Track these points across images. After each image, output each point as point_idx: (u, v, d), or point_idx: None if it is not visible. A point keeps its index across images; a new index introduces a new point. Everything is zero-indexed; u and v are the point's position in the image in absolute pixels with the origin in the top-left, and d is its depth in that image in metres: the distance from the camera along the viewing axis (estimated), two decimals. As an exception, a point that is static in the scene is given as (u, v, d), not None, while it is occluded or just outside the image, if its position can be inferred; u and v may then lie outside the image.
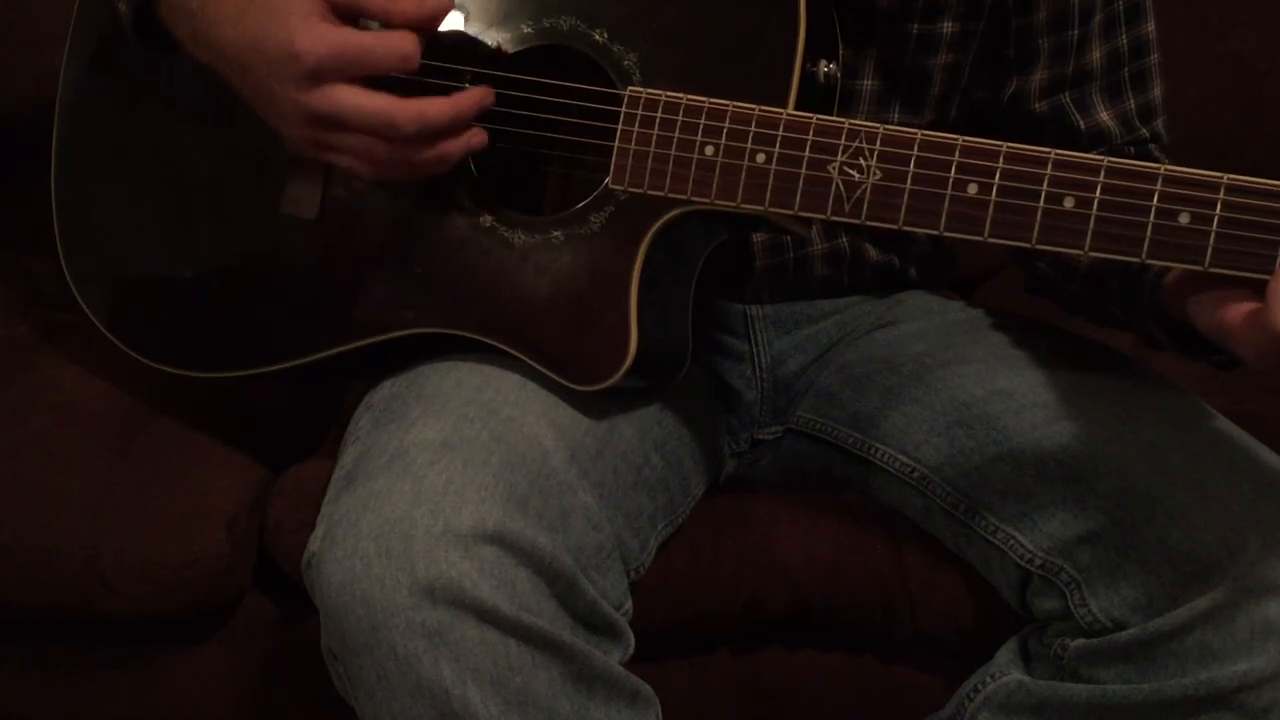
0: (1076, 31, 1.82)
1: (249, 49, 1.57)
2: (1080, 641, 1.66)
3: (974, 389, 1.78)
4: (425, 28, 1.57)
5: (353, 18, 1.57)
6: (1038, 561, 1.67)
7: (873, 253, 1.93)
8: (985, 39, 1.84)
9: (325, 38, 1.53)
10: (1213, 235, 1.37)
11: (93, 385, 1.99)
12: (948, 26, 1.80)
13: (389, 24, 1.56)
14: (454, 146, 1.59)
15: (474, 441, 1.54)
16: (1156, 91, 1.88)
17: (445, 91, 1.60)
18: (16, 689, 1.99)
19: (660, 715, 1.65)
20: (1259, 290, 1.36)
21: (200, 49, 1.63)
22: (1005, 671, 1.73)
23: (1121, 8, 1.83)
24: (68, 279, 1.88)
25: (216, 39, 1.60)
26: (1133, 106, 1.86)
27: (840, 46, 1.61)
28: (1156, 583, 1.59)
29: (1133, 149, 1.87)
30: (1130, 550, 1.61)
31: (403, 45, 1.54)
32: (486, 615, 1.46)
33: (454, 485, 1.49)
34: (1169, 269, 1.56)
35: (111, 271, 1.87)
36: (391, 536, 1.47)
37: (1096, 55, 1.84)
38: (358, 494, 1.52)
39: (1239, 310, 1.40)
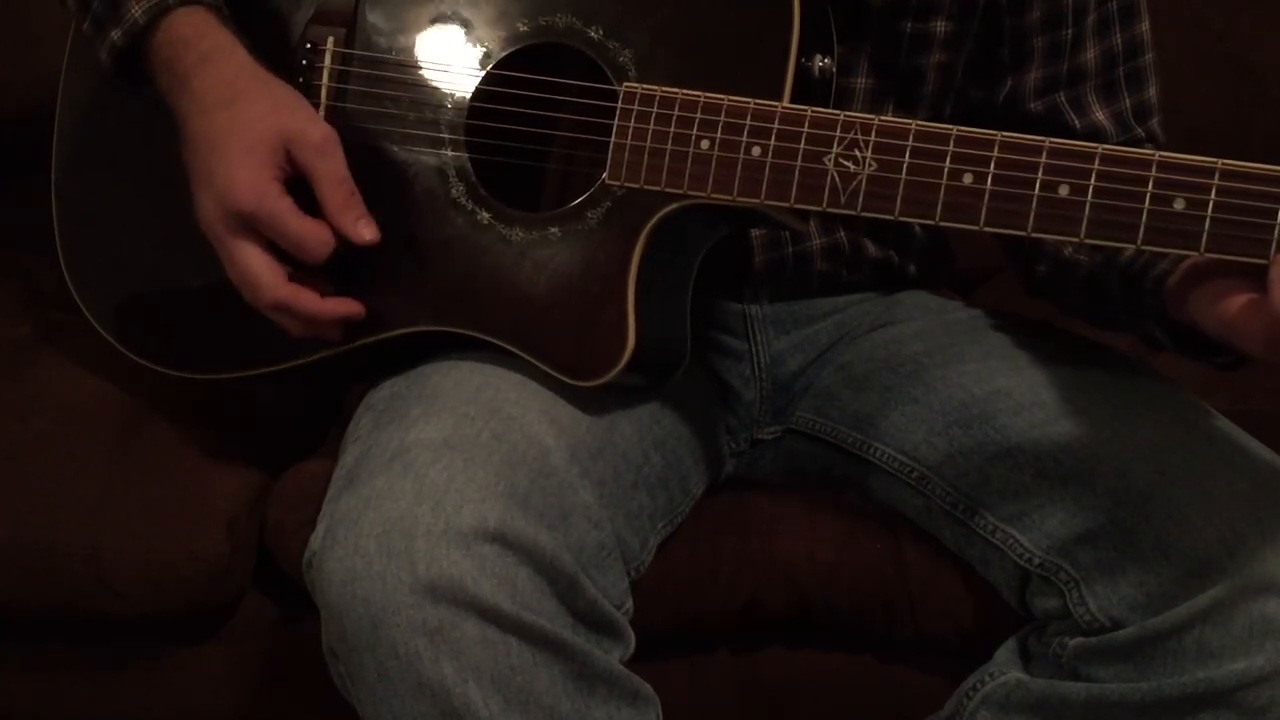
0: (1070, 31, 1.82)
1: (206, 143, 1.67)
2: (1079, 640, 1.65)
3: (973, 388, 1.78)
4: (347, 238, 1.68)
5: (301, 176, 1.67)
6: (1037, 561, 1.67)
7: (871, 248, 1.93)
8: (979, 38, 1.84)
9: (261, 197, 1.65)
10: (1208, 220, 1.38)
11: (93, 385, 2.00)
12: (941, 25, 1.81)
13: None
14: (299, 332, 1.72)
15: (475, 440, 1.54)
16: (1152, 91, 1.88)
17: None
18: (16, 689, 1.98)
19: (660, 715, 1.65)
20: (1259, 282, 1.37)
21: (172, 101, 1.72)
22: (1004, 671, 1.73)
23: (1115, 7, 1.84)
24: (68, 281, 1.88)
25: (188, 107, 1.70)
26: (1128, 106, 1.86)
27: (835, 42, 1.62)
28: (1155, 582, 1.59)
29: None
30: (1129, 549, 1.61)
31: (316, 244, 1.66)
32: (487, 614, 1.46)
33: (455, 484, 1.49)
34: (1170, 272, 1.56)
35: (111, 274, 1.88)
36: (393, 535, 1.47)
37: (1091, 55, 1.84)
38: (359, 493, 1.52)
39: (1240, 301, 1.41)
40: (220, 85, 1.67)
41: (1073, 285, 1.80)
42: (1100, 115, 1.85)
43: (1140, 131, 1.88)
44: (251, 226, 1.65)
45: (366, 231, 1.67)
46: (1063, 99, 1.85)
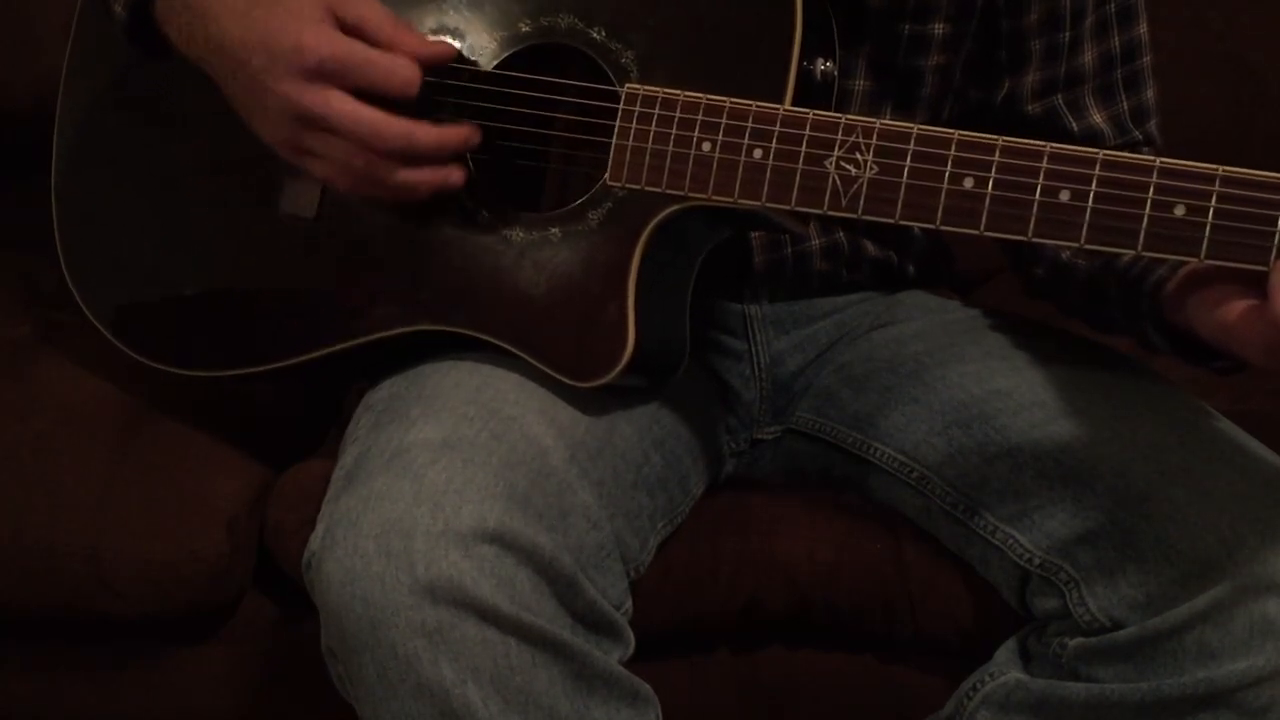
0: (1068, 34, 1.82)
1: (251, 42, 1.59)
2: (1079, 641, 1.65)
3: (973, 388, 1.78)
4: (424, 63, 1.61)
5: (358, 37, 1.59)
6: (1036, 561, 1.67)
7: (871, 248, 1.93)
8: (977, 40, 1.84)
9: (333, 39, 1.56)
10: (1208, 227, 1.37)
11: (93, 385, 2.00)
12: (939, 28, 1.80)
13: (391, 49, 1.59)
14: (430, 176, 1.62)
15: (474, 441, 1.54)
16: (1150, 94, 1.88)
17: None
18: (16, 689, 1.99)
19: (660, 715, 1.65)
20: (1259, 288, 1.37)
21: (193, 45, 1.66)
22: (1004, 671, 1.73)
23: (1113, 9, 1.84)
24: (68, 280, 1.89)
25: (215, 33, 1.63)
26: (1125, 108, 1.87)
27: (837, 45, 1.62)
28: (1155, 582, 1.59)
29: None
30: (1129, 549, 1.61)
31: (405, 70, 1.58)
32: (486, 614, 1.46)
33: (454, 484, 1.49)
34: (1167, 278, 1.56)
35: (111, 273, 1.88)
36: (392, 536, 1.47)
37: (1088, 57, 1.84)
38: (358, 493, 1.52)
39: (1239, 307, 1.41)
40: None
41: (1071, 287, 1.80)
42: (1098, 118, 1.86)
43: (1138, 134, 1.88)
44: (332, 82, 1.57)
45: (435, 45, 1.63)
46: (1060, 102, 1.85)
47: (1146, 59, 1.87)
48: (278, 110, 1.59)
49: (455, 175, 1.63)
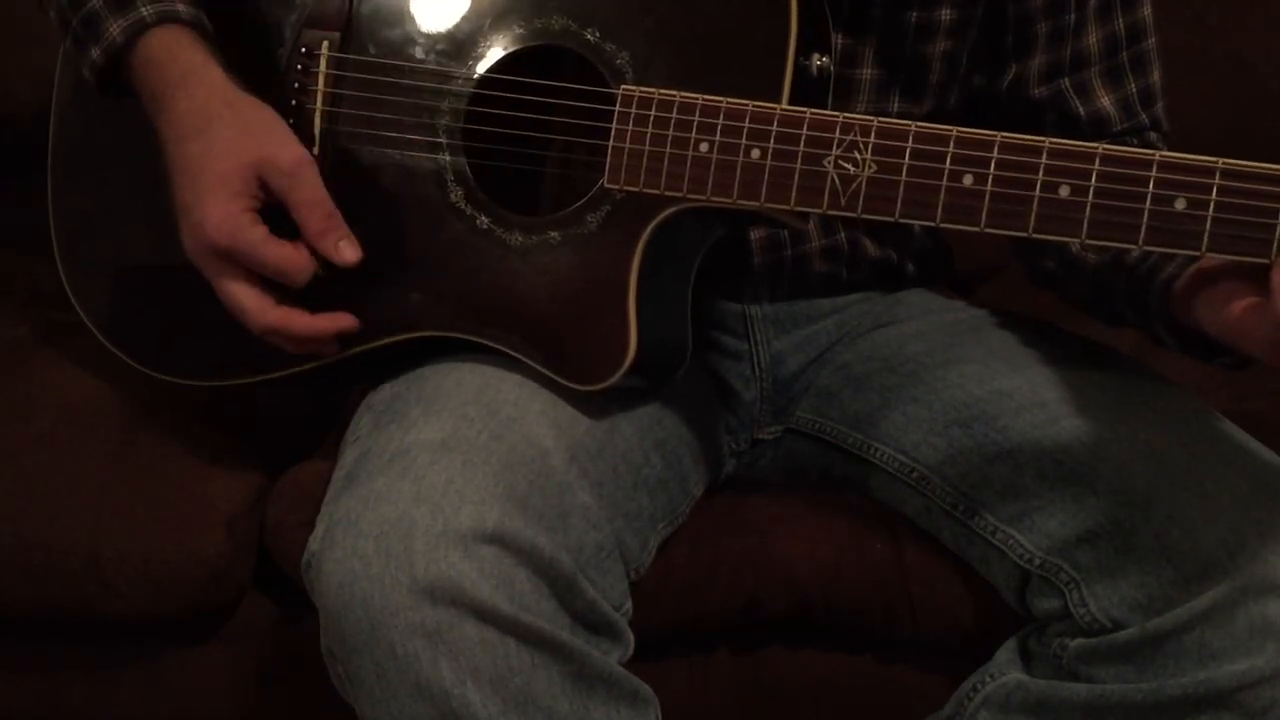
0: (1073, 16, 1.83)
1: (180, 171, 1.69)
2: (1079, 641, 1.65)
3: (973, 389, 1.78)
4: (329, 259, 1.68)
5: (278, 199, 1.66)
6: (1037, 561, 1.67)
7: (871, 247, 1.93)
8: (983, 26, 1.84)
9: (233, 231, 1.66)
10: (1209, 220, 1.38)
11: (93, 385, 2.00)
12: (945, 14, 1.81)
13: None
14: (294, 349, 1.73)
15: (474, 441, 1.54)
16: (1156, 76, 1.88)
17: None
18: (16, 689, 1.99)
19: (660, 715, 1.65)
20: (1263, 285, 1.37)
21: (155, 120, 1.72)
22: (1005, 671, 1.73)
23: None
24: (67, 290, 1.89)
25: (165, 129, 1.71)
26: (1133, 90, 1.87)
27: (833, 38, 1.61)
28: (1155, 582, 1.59)
29: (1135, 140, 1.87)
30: (1129, 550, 1.61)
31: (295, 269, 1.67)
32: (486, 615, 1.46)
33: (454, 485, 1.49)
34: (1176, 276, 1.56)
35: (110, 282, 1.88)
36: (391, 536, 1.47)
37: (1093, 39, 1.84)
38: (357, 494, 1.52)
39: (1244, 305, 1.42)
40: (192, 112, 1.67)
41: (1080, 280, 1.80)
42: (1105, 101, 1.86)
43: (1145, 118, 1.88)
44: (227, 264, 1.65)
45: (348, 253, 1.67)
46: (1067, 85, 1.85)
47: (1152, 41, 1.88)
48: (186, 244, 1.68)
49: (328, 350, 1.73)
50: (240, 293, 1.66)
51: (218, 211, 1.63)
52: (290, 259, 1.65)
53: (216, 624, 1.97)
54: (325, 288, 1.69)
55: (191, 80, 1.68)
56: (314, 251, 1.66)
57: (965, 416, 1.76)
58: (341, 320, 1.70)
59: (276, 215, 1.66)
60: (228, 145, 1.65)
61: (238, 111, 1.67)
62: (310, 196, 1.65)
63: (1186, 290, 1.54)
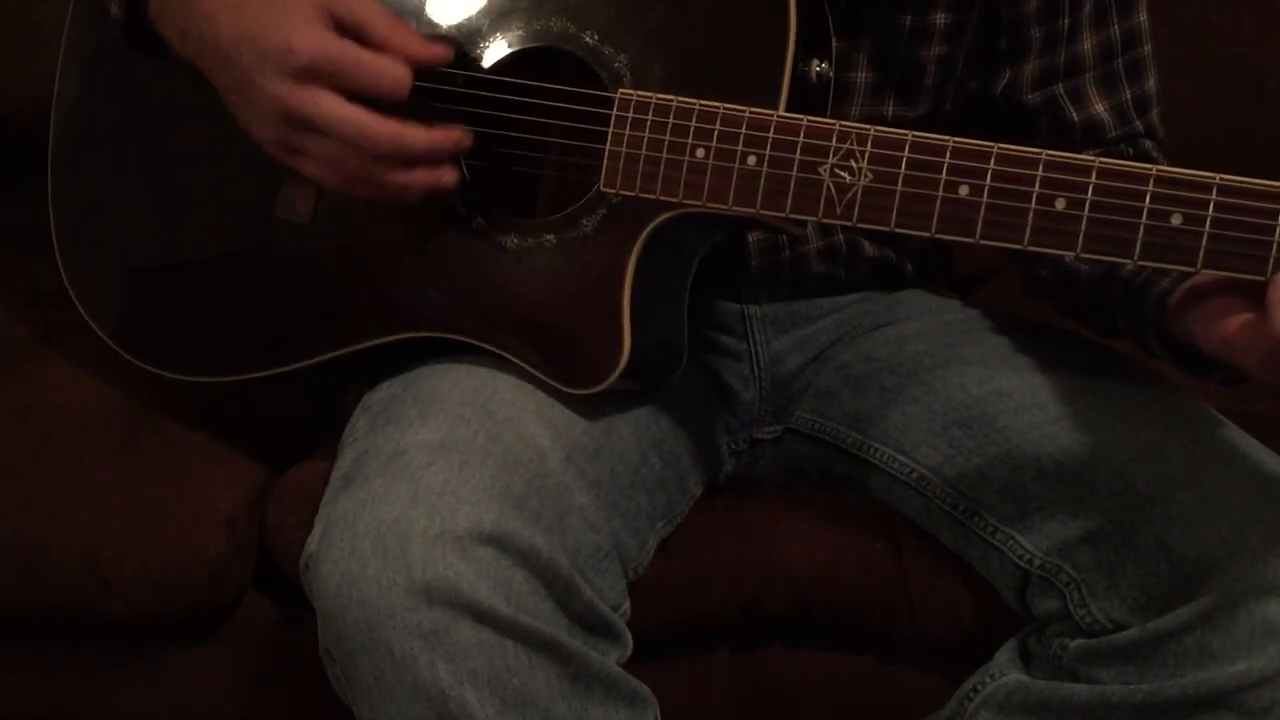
0: (1067, 21, 1.82)
1: (241, 39, 1.57)
2: (1080, 642, 1.65)
3: (973, 389, 1.78)
4: (420, 64, 1.59)
5: (354, 36, 1.57)
6: (1037, 562, 1.67)
7: (869, 248, 1.93)
8: (978, 30, 1.84)
9: (323, 40, 1.54)
10: (1205, 236, 1.37)
11: (93, 385, 1.99)
12: (940, 18, 1.80)
13: (385, 50, 1.57)
14: (422, 178, 1.60)
15: (471, 442, 1.54)
16: (1151, 83, 1.88)
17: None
18: (16, 689, 1.99)
19: (659, 716, 1.66)
20: (1259, 302, 1.37)
21: (188, 44, 1.64)
22: (1005, 671, 1.73)
23: None
24: (67, 287, 1.89)
25: (209, 32, 1.61)
26: (1128, 97, 1.86)
27: (833, 44, 1.61)
28: (1156, 583, 1.59)
29: (1130, 148, 1.87)
30: (1129, 551, 1.61)
31: (395, 71, 1.56)
32: (483, 616, 1.46)
33: (451, 486, 1.50)
34: (1171, 291, 1.56)
35: (110, 280, 1.89)
36: (388, 537, 1.47)
37: (1088, 45, 1.83)
38: (355, 495, 1.52)
39: (1239, 321, 1.41)
40: None
41: (1074, 289, 1.80)
42: (1099, 107, 1.85)
43: (1139, 124, 1.87)
44: (322, 83, 1.55)
45: (431, 46, 1.60)
46: (1061, 91, 1.85)
47: (1147, 47, 1.87)
48: (267, 110, 1.58)
49: (448, 176, 1.61)
50: (349, 109, 1.55)
51: (302, 29, 1.54)
52: (386, 62, 1.56)
53: (216, 624, 1.97)
54: (322, 287, 1.69)
55: None
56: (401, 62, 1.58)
57: (965, 417, 1.76)
58: (455, 132, 1.62)
59: None
60: None
61: None
62: (382, 11, 1.58)
63: (1181, 305, 1.53)
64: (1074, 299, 1.82)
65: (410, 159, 1.59)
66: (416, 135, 1.58)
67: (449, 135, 1.60)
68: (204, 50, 1.63)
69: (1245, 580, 1.55)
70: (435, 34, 1.68)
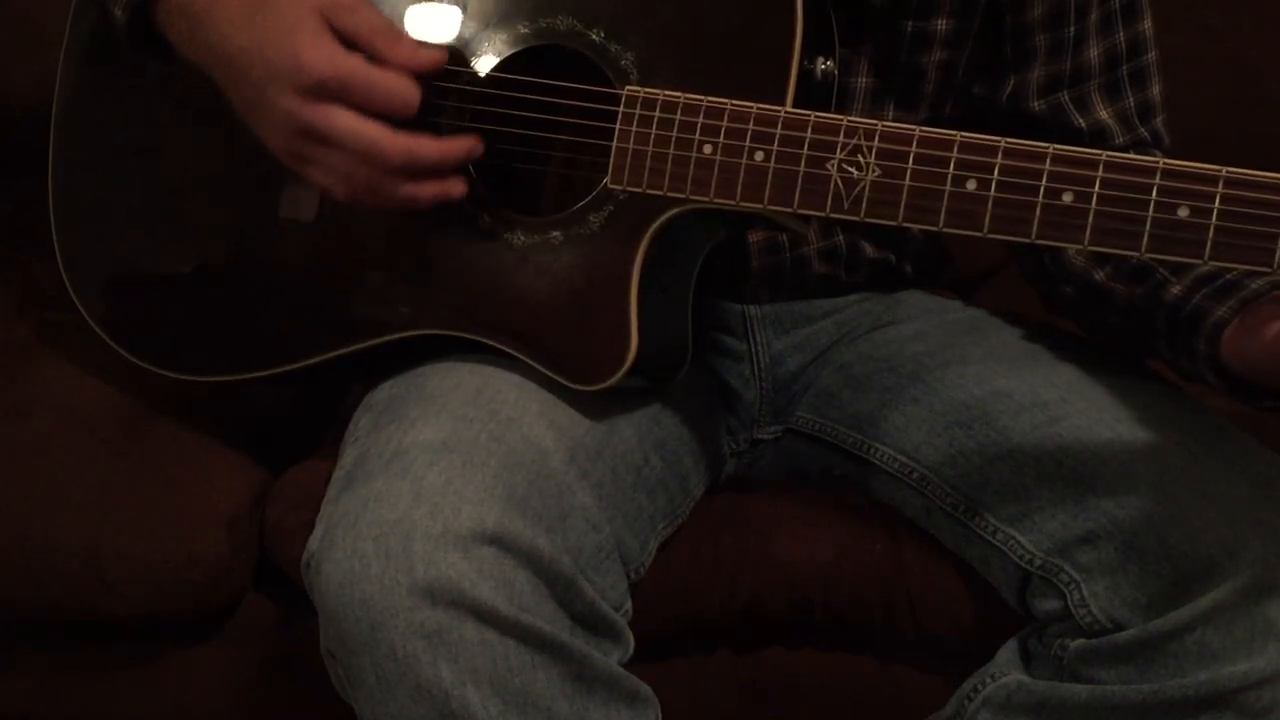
0: (1073, 29, 1.82)
1: (251, 52, 1.59)
2: (1080, 642, 1.65)
3: (973, 389, 1.78)
4: (421, 73, 1.61)
5: (351, 47, 1.59)
6: (1037, 562, 1.67)
7: (869, 250, 1.93)
8: (980, 36, 1.84)
9: (334, 58, 1.56)
10: (1212, 229, 1.38)
11: (93, 385, 1.99)
12: (941, 23, 1.80)
13: (387, 62, 1.59)
14: (431, 190, 1.62)
15: (473, 442, 1.54)
16: (1156, 90, 1.88)
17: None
18: (16, 689, 1.99)
19: (660, 716, 1.65)
20: None
21: (194, 50, 1.66)
22: (1005, 671, 1.72)
23: (1117, 5, 1.83)
24: (68, 287, 1.89)
25: (216, 41, 1.62)
26: (1132, 104, 1.86)
27: (837, 43, 1.61)
28: (1156, 583, 1.59)
29: (1135, 153, 1.86)
30: (1130, 551, 1.61)
31: (405, 90, 1.58)
32: (485, 616, 1.46)
33: (453, 486, 1.50)
34: (1229, 320, 1.56)
35: (111, 279, 1.88)
36: (390, 537, 1.47)
37: (1094, 53, 1.83)
38: (357, 494, 1.52)
39: None
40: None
41: (1106, 311, 1.79)
42: (1104, 114, 1.85)
43: (1144, 132, 1.87)
44: (333, 99, 1.57)
45: (428, 52, 1.61)
46: (1066, 98, 1.85)
47: (1152, 55, 1.87)
48: (279, 122, 1.59)
49: (456, 188, 1.63)
50: (361, 124, 1.57)
51: (312, 45, 1.56)
52: (395, 78, 1.58)
53: (216, 624, 1.96)
54: (326, 284, 1.69)
55: None
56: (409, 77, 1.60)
57: (965, 417, 1.76)
58: (466, 142, 1.63)
59: None
60: (289, 3, 1.59)
61: None
62: (378, 22, 1.60)
63: (1236, 336, 1.55)
64: (1107, 321, 1.81)
65: (420, 171, 1.60)
66: (428, 148, 1.59)
67: (460, 145, 1.62)
68: (213, 61, 1.64)
69: (1246, 580, 1.55)
70: (439, 34, 1.69)
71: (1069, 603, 1.65)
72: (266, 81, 1.58)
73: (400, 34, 1.62)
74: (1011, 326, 1.90)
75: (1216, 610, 1.56)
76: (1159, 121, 1.89)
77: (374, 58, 1.59)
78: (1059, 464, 1.67)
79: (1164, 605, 1.58)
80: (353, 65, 1.57)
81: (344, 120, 1.57)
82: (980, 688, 1.73)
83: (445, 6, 1.70)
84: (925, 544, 1.85)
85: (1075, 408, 1.71)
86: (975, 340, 1.87)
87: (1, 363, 2.07)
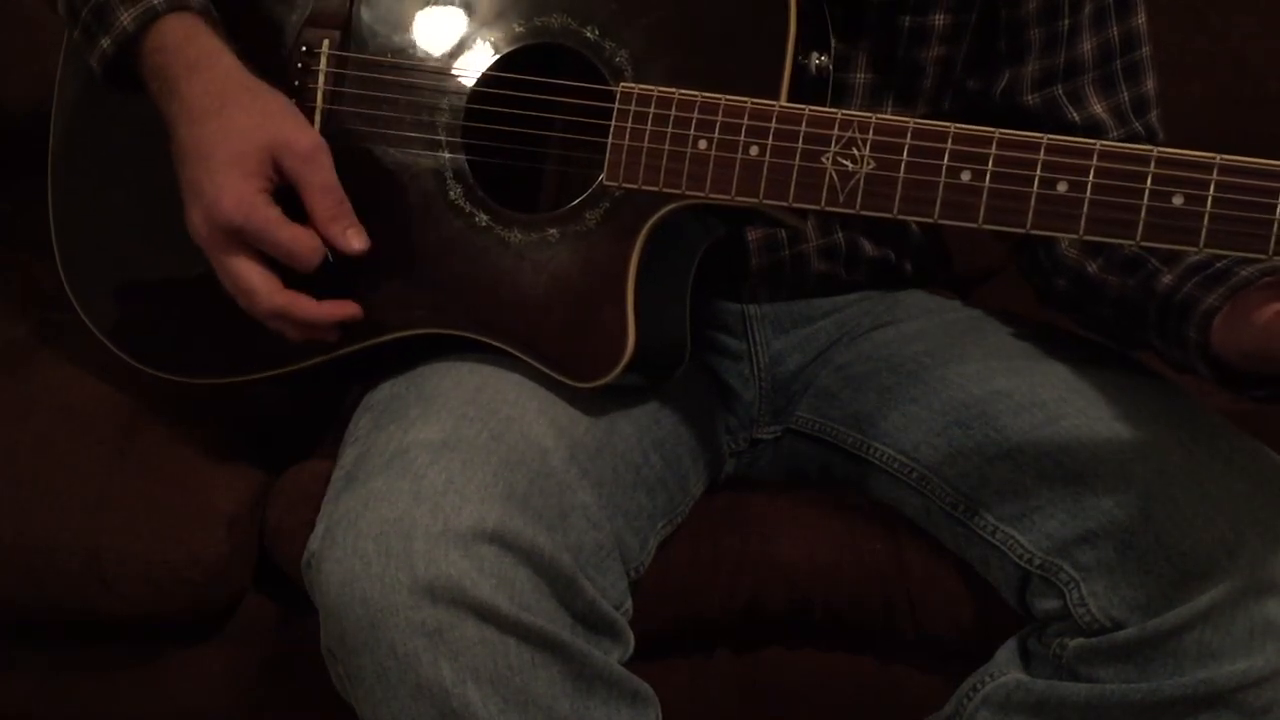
0: (1067, 22, 1.82)
1: (192, 155, 1.67)
2: (1079, 641, 1.65)
3: (973, 389, 1.78)
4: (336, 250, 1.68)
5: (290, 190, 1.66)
6: (1037, 561, 1.67)
7: (869, 247, 1.93)
8: (977, 31, 1.84)
9: (251, 212, 1.65)
10: (1206, 216, 1.38)
11: (93, 385, 1.99)
12: (939, 19, 1.80)
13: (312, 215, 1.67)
14: (296, 336, 1.72)
15: (473, 441, 1.54)
16: (1150, 85, 1.87)
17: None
18: (16, 689, 1.99)
19: (660, 715, 1.65)
20: None
21: (162, 108, 1.72)
22: (1004, 671, 1.72)
23: (1111, 0, 1.83)
24: (67, 290, 1.89)
25: (177, 113, 1.70)
26: (1126, 99, 1.86)
27: (831, 38, 1.62)
28: (1155, 582, 1.59)
29: None
30: (1129, 550, 1.60)
31: (307, 253, 1.66)
32: (486, 614, 1.46)
33: (453, 485, 1.50)
34: (1219, 308, 1.56)
35: (111, 282, 1.89)
36: (391, 536, 1.47)
37: (1087, 47, 1.83)
38: (357, 494, 1.52)
39: (1276, 307, 1.43)
40: (208, 94, 1.67)
41: (1099, 304, 1.79)
42: (1099, 108, 1.85)
43: (1138, 126, 1.87)
44: (242, 239, 1.64)
45: (356, 241, 1.67)
46: (1060, 92, 1.85)
47: (1146, 50, 1.87)
48: (191, 224, 1.67)
49: (331, 335, 1.73)
50: (250, 272, 1.66)
51: (232, 190, 1.63)
52: (302, 241, 1.64)
53: (216, 624, 1.96)
54: (324, 284, 1.69)
55: (204, 65, 1.68)
56: (322, 239, 1.66)
57: (965, 416, 1.76)
58: (347, 308, 1.70)
59: (284, 202, 1.66)
60: (243, 126, 1.65)
61: (254, 95, 1.68)
62: (324, 181, 1.66)
63: (1226, 323, 1.54)
64: (1099, 313, 1.82)
65: (297, 325, 1.70)
66: (303, 310, 1.70)
67: (335, 310, 1.71)
68: (170, 125, 1.71)
69: (1245, 579, 1.56)
70: (434, 34, 1.69)
71: (1068, 602, 1.65)
72: (194, 190, 1.66)
73: (338, 202, 1.68)
74: (1011, 326, 1.90)
75: (1215, 609, 1.56)
76: (1154, 116, 1.88)
77: (310, 213, 1.66)
78: (1058, 463, 1.67)
79: (1163, 604, 1.58)
80: (263, 222, 1.64)
81: (234, 263, 1.66)
82: (979, 687, 1.73)
83: (441, 6, 1.70)
84: (925, 544, 1.85)
85: (1074, 407, 1.71)
86: (975, 340, 1.87)
87: (1, 363, 2.07)
